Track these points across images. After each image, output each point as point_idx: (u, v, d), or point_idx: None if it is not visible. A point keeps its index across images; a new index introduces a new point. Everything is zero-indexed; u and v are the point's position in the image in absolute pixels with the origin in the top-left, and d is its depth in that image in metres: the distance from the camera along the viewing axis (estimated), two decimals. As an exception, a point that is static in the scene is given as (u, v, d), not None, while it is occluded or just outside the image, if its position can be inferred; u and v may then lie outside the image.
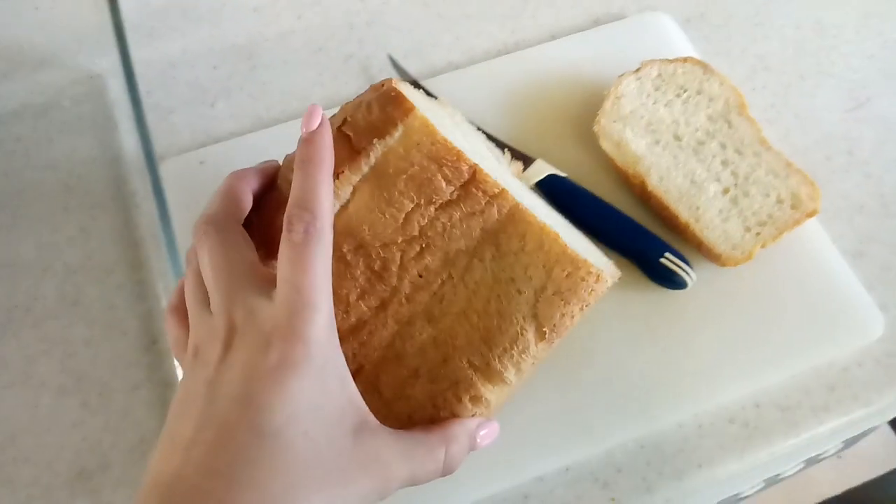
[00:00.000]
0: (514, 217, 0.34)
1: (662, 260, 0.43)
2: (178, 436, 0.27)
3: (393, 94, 0.34)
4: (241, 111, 0.52)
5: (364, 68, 0.54)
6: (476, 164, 0.34)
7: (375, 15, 0.57)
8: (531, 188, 0.46)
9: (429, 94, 0.50)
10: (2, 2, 0.48)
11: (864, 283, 0.44)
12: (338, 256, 0.33)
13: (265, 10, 0.57)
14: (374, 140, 0.34)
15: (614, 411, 0.41)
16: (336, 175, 0.33)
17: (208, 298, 0.30)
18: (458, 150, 0.34)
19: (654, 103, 0.48)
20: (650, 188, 0.44)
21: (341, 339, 0.30)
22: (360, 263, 0.33)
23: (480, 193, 0.34)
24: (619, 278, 0.36)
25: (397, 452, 0.29)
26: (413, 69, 0.53)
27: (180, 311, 0.32)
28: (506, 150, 0.47)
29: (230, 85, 0.54)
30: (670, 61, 0.49)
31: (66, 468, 0.39)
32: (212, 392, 0.27)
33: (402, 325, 0.33)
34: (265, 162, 0.36)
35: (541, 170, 0.47)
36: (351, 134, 0.34)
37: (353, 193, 0.34)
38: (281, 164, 0.36)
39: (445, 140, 0.34)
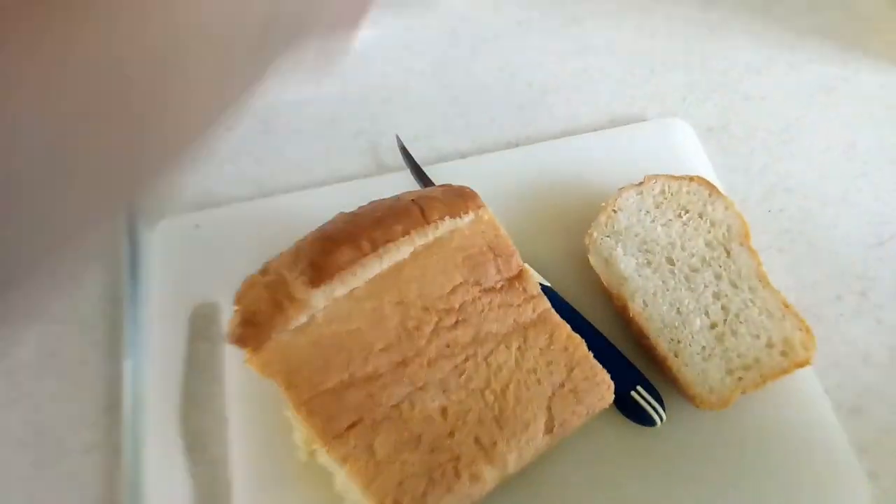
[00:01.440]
0: (546, 319, 0.38)
1: (633, 393, 0.41)
2: None
3: (469, 190, 0.40)
4: (245, 175, 0.53)
5: (372, 146, 0.54)
6: (525, 266, 0.39)
7: (393, 92, 0.57)
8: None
9: (428, 180, 0.50)
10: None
11: (856, 446, 0.41)
12: (375, 305, 0.35)
13: (287, 75, 0.58)
14: (447, 216, 0.38)
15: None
16: (403, 233, 0.36)
17: None
18: (514, 249, 0.39)
19: (653, 221, 0.46)
20: (632, 313, 0.42)
21: (351, 385, 0.33)
22: (396, 318, 0.36)
23: (521, 290, 0.38)
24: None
25: None
26: (420, 153, 0.53)
27: None
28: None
29: (240, 148, 0.55)
30: (676, 178, 0.47)
31: (7, 525, 0.40)
32: None
33: (416, 388, 0.35)
34: None
35: (525, 276, 0.46)
36: (423, 206, 0.38)
37: (412, 255, 0.37)
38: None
39: (506, 237, 0.39)
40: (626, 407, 0.41)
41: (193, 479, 0.40)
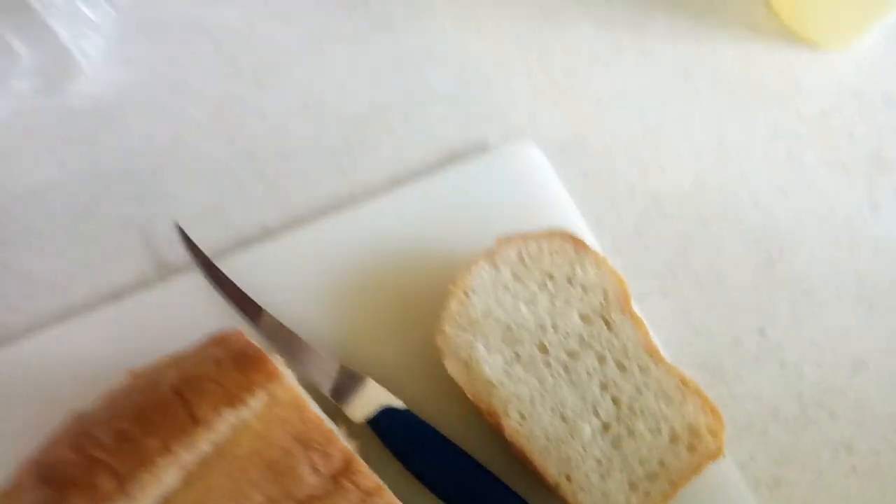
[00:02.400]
0: None
1: (526, 541, 0.32)
2: None
3: (252, 351, 0.28)
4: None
5: (146, 238, 0.41)
6: (351, 451, 0.29)
7: (164, 157, 0.43)
8: (361, 427, 0.34)
9: (226, 279, 0.38)
10: None
11: (783, 528, 0.35)
12: None
13: (13, 155, 0.43)
14: (224, 410, 0.26)
15: None
16: (162, 451, 0.25)
17: None
18: (331, 432, 0.28)
19: (514, 299, 0.36)
20: (509, 431, 0.34)
21: None
22: None
23: (353, 487, 0.27)
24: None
25: None
26: (211, 237, 0.41)
27: None
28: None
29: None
30: (533, 237, 0.37)
31: None
32: None
33: None
34: None
35: (372, 399, 0.35)
36: (191, 398, 0.26)
37: (184, 480, 0.25)
38: None
39: (317, 417, 0.28)
40: (519, 558, 0.33)
41: None
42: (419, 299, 0.38)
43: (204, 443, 0.25)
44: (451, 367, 0.35)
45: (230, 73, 0.46)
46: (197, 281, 0.39)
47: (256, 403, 0.27)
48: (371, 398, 0.35)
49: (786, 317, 0.40)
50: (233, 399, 0.26)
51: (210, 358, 0.27)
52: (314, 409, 0.28)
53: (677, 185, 0.44)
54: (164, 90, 0.45)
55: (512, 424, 0.34)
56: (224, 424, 0.26)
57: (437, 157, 0.44)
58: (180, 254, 0.40)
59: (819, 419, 0.38)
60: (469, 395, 0.35)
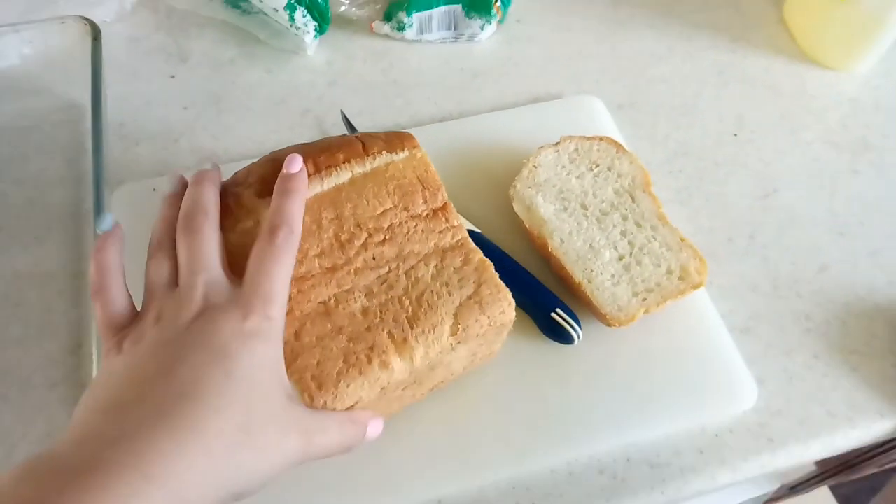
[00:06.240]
0: (463, 245, 0.42)
1: (553, 314, 0.46)
2: (139, 377, 0.31)
3: (408, 134, 0.45)
4: (200, 148, 0.58)
5: (318, 121, 0.60)
6: (448, 200, 0.43)
7: (338, 76, 0.63)
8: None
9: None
10: (-1, 37, 0.54)
11: (746, 358, 0.47)
12: (314, 217, 0.40)
13: (239, 61, 0.64)
14: (384, 151, 0.43)
15: (491, 450, 0.43)
16: (344, 161, 0.42)
17: (175, 278, 0.36)
18: (441, 184, 0.44)
19: (568, 174, 0.52)
20: (551, 249, 0.48)
21: None
22: (331, 230, 0.40)
23: (444, 220, 0.43)
24: (514, 327, 0.42)
25: (315, 423, 0.35)
26: (362, 126, 0.59)
27: (109, 291, 0.36)
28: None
29: (196, 125, 0.59)
30: (588, 138, 0.53)
31: (-26, 451, 0.42)
32: (180, 347, 0.32)
33: (342, 290, 0.39)
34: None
35: (459, 225, 0.51)
36: (364, 141, 0.43)
37: (350, 180, 0.42)
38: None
39: (435, 173, 0.44)
40: (548, 328, 0.46)
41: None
42: (502, 169, 0.54)
43: (367, 164, 0.42)
44: (518, 209, 0.50)
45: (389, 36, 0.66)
46: (350, 148, 0.57)
47: (403, 154, 0.43)
48: (459, 225, 0.51)
49: (772, 230, 0.54)
50: (390, 148, 0.43)
51: (381, 132, 0.45)
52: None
53: (701, 139, 0.59)
54: (343, 40, 0.65)
55: (554, 245, 0.49)
56: (382, 159, 0.42)
57: (525, 99, 0.62)
58: (342, 132, 0.58)
59: (788, 297, 0.50)
60: (527, 226, 0.50)
